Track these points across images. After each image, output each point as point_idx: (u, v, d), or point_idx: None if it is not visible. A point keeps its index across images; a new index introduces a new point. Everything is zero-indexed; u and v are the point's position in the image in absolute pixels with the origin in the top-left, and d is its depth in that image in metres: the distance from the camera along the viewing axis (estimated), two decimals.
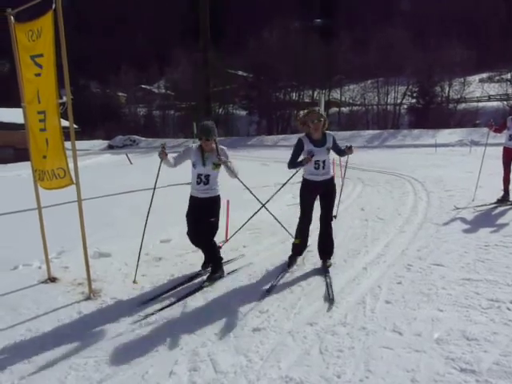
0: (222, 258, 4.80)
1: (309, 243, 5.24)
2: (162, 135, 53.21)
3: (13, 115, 29.23)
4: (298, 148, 4.68)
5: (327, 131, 4.73)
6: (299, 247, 5.03)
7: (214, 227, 4.61)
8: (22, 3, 4.03)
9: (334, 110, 47.42)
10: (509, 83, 41.53)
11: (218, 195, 4.59)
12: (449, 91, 42.86)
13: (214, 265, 4.71)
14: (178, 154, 4.67)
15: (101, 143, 47.94)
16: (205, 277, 4.70)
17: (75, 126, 4.20)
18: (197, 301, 4.14)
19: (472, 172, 10.35)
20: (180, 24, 68.63)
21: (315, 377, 2.81)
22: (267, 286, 4.35)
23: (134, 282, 4.62)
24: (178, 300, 4.16)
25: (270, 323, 3.58)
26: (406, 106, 45.93)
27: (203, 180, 4.44)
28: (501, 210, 7.26)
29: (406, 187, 10.55)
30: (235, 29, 66.31)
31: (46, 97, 3.86)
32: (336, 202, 5.03)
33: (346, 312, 3.71)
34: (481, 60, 44.47)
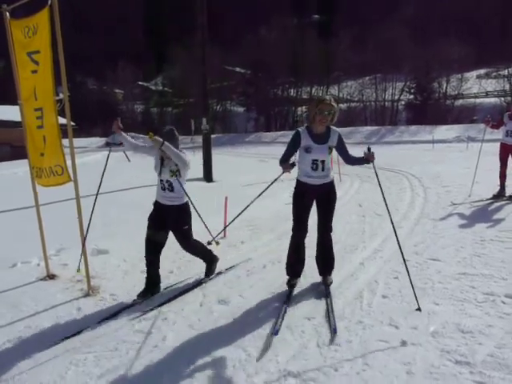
0: (210, 250, 4.60)
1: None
2: (159, 132, 53.14)
3: (9, 113, 29.16)
4: (294, 142, 3.91)
5: (332, 127, 3.90)
6: (295, 267, 4.23)
7: (188, 234, 4.29)
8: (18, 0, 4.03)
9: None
10: (506, 79, 41.63)
11: (186, 202, 4.21)
12: (446, 87, 42.98)
13: (206, 259, 4.59)
14: (144, 144, 4.30)
15: (98, 140, 47.82)
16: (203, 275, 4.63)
17: (72, 123, 4.19)
18: (195, 296, 4.16)
19: (469, 168, 10.40)
20: (177, 20, 68.35)
21: (313, 370, 2.84)
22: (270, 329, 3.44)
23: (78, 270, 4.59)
24: (177, 295, 4.19)
25: (266, 317, 3.61)
26: (403, 103, 46.01)
27: (167, 187, 4.08)
28: (497, 205, 7.30)
29: (404, 183, 10.60)
30: (232, 25, 66.18)
31: (42, 94, 3.86)
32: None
33: (344, 306, 3.75)
34: (478, 56, 44.54)
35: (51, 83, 3.75)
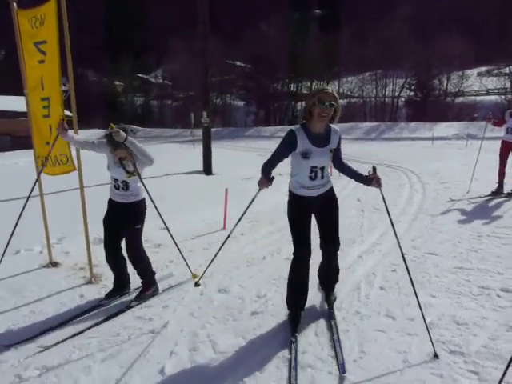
0: (154, 272, 4.14)
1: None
2: (159, 125, 53.11)
3: (9, 103, 29.17)
4: (288, 145, 3.13)
5: (332, 125, 3.21)
6: (301, 299, 3.43)
7: (138, 236, 3.92)
8: None
9: None
10: (507, 77, 41.63)
11: (142, 199, 3.89)
12: (447, 84, 42.97)
13: (145, 279, 4.04)
14: (93, 141, 3.90)
15: (97, 132, 47.74)
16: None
17: (69, 113, 4.15)
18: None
19: (468, 165, 10.47)
20: (177, 12, 67.99)
21: (311, 357, 2.92)
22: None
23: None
24: (178, 284, 4.27)
25: (267, 308, 3.69)
26: (403, 99, 46.01)
27: (121, 186, 3.77)
28: (495, 202, 7.38)
29: (403, 179, 10.67)
30: (233, 19, 65.89)
31: (49, 83, 3.92)
32: None
33: (342, 298, 3.82)
34: (478, 54, 44.53)
35: (58, 73, 3.80)
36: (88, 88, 57.05)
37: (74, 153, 4.12)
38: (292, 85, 51.01)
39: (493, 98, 41.14)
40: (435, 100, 42.27)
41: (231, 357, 2.98)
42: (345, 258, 4.89)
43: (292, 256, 3.36)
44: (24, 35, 4.07)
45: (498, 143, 7.98)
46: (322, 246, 3.48)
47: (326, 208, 3.40)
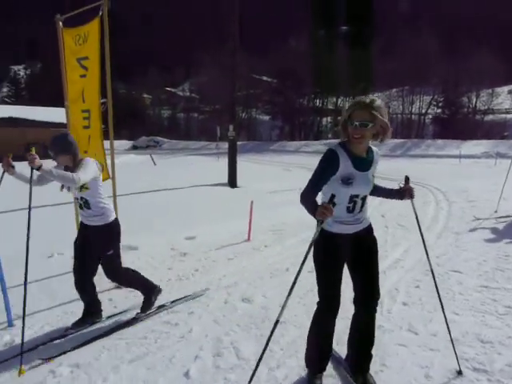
0: (146, 279, 3.93)
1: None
2: (185, 137, 54.03)
3: (43, 114, 30.32)
4: (329, 168, 2.47)
5: (372, 146, 2.68)
6: (324, 360, 2.87)
7: (114, 259, 3.67)
8: (70, 10, 4.35)
9: None
10: None
11: (109, 222, 3.55)
12: (476, 102, 42.31)
13: (140, 290, 3.90)
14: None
15: (126, 143, 48.96)
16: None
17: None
18: (220, 293, 4.35)
19: (496, 184, 10.30)
20: (206, 27, 69.58)
21: (331, 367, 2.97)
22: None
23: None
24: (203, 290, 4.38)
25: (290, 318, 3.76)
26: (430, 116, 45.51)
27: (83, 204, 3.50)
28: None
29: (428, 197, 10.59)
30: (260, 33, 66.90)
31: (90, 97, 4.15)
32: None
33: None
34: (510, 71, 43.76)
35: (98, 87, 4.03)
36: (117, 100, 58.68)
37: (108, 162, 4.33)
38: (318, 100, 51.21)
39: None
40: (463, 117, 41.67)
41: (254, 363, 3.05)
42: None
43: (316, 307, 2.78)
44: (67, 51, 4.35)
45: None
46: (357, 302, 2.76)
47: (364, 251, 2.70)
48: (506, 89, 47.34)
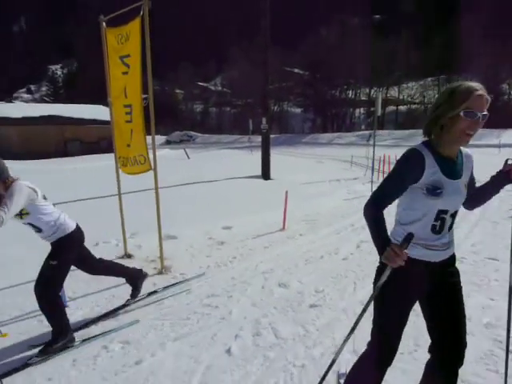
0: (66, 323, 3.31)
1: None
2: (217, 131, 54.58)
3: (80, 111, 31.45)
4: (411, 172, 1.90)
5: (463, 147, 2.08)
6: None
7: (53, 273, 3.24)
8: (113, 11, 4.60)
9: (392, 108, 46.41)
10: None
11: (65, 236, 3.28)
12: None
13: (52, 328, 3.25)
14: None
15: (159, 138, 49.95)
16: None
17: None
18: (257, 278, 4.52)
19: None
20: (237, 21, 69.72)
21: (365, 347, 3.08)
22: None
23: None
24: (240, 277, 4.58)
25: (325, 301, 3.89)
26: None
27: (33, 229, 3.25)
28: None
29: None
30: (291, 26, 66.42)
31: (132, 92, 4.39)
32: None
33: None
34: None
35: (139, 83, 4.26)
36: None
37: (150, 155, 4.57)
38: (350, 91, 50.51)
39: None
40: (503, 105, 40.11)
41: (292, 342, 3.22)
42: None
43: (365, 350, 2.22)
44: (110, 50, 4.60)
45: None
46: (434, 353, 2.13)
47: (447, 286, 2.05)
48: None
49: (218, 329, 3.49)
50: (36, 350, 3.21)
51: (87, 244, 3.84)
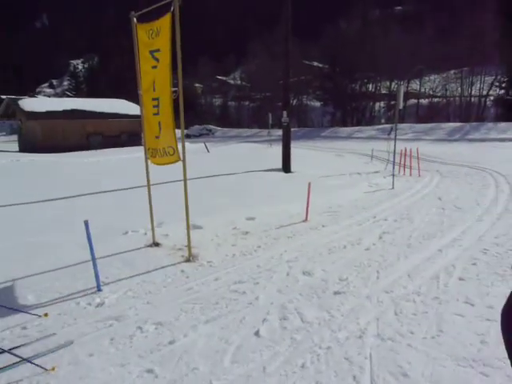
0: None
1: None
2: (236, 125, 54.74)
3: (102, 105, 31.96)
4: None
5: None
6: None
7: None
8: (143, 7, 4.76)
9: (413, 101, 45.73)
10: None
11: None
12: None
13: None
14: None
15: (178, 132, 50.34)
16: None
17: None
18: (282, 266, 4.66)
19: None
20: (257, 12, 69.51)
21: (391, 332, 3.20)
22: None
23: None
24: (265, 265, 4.72)
25: (349, 289, 4.01)
26: (492, 98, 43.03)
27: None
28: None
29: (487, 180, 10.28)
30: (311, 18, 65.89)
31: (160, 86, 4.55)
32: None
33: (420, 284, 4.02)
34: None
35: (169, 77, 4.41)
36: None
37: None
38: (370, 85, 49.88)
39: None
40: None
41: (317, 326, 3.35)
42: (424, 250, 5.04)
43: None
44: (141, 44, 4.76)
45: None
46: None
47: None
48: None
49: (246, 313, 3.64)
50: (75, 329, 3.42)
51: (117, 233, 4.02)
